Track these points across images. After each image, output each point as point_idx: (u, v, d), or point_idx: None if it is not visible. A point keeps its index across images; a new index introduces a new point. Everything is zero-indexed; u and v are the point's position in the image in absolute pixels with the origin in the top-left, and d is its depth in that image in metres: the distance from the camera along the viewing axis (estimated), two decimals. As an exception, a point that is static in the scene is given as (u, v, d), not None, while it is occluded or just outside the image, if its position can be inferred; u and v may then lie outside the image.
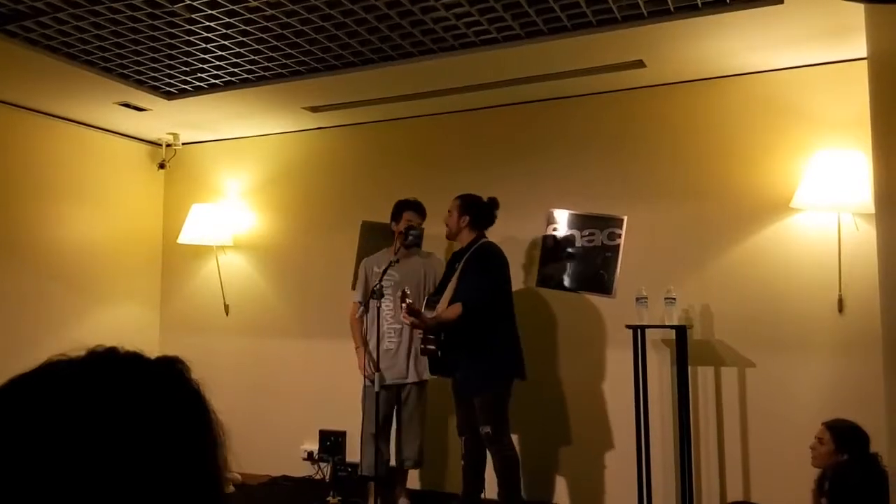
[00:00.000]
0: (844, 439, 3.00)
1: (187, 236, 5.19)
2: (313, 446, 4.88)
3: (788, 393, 3.83)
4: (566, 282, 4.38)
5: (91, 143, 5.16)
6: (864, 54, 3.28)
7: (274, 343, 5.20)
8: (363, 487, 4.16)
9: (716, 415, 4.00)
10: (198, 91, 4.38)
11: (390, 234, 4.23)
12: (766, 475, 3.88)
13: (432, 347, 3.74)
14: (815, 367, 3.79)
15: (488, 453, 3.73)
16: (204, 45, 3.69)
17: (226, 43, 3.66)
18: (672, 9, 3.25)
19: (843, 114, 3.76)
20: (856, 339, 3.66)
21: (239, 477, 4.87)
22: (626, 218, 4.24)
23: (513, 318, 3.79)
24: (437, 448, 4.46)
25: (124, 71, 4.08)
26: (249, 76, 4.14)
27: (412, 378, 4.08)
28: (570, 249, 4.38)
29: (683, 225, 4.12)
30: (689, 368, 3.82)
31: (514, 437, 4.08)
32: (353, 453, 4.49)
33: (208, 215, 5.23)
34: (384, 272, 3.91)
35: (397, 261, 3.99)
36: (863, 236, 3.67)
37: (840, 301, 3.74)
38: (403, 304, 3.66)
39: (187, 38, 3.60)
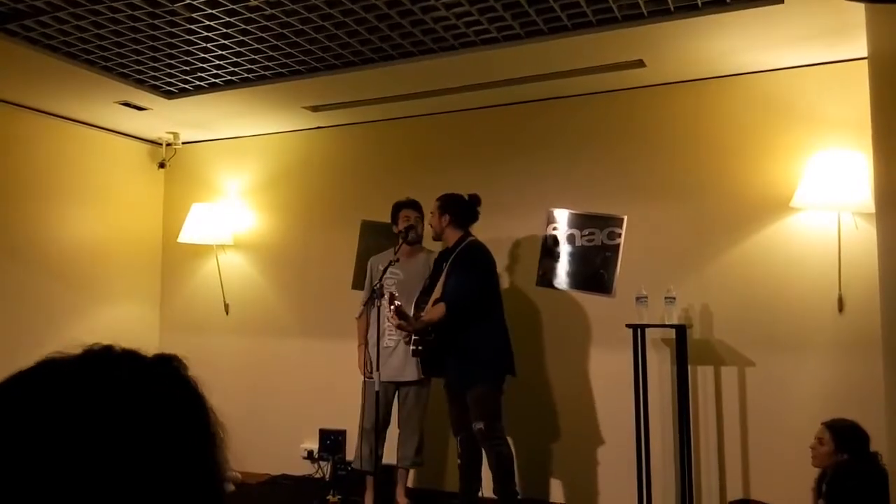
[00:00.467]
0: (844, 439, 3.01)
1: (187, 235, 5.19)
2: (313, 445, 4.88)
3: (788, 392, 3.83)
4: (566, 281, 4.38)
5: (91, 142, 5.16)
6: (865, 54, 3.28)
7: (274, 342, 5.20)
8: (361, 485, 4.17)
9: (715, 414, 4.00)
10: (198, 90, 4.38)
11: (391, 233, 4.25)
12: (765, 474, 3.88)
13: (421, 349, 3.75)
14: (814, 366, 3.79)
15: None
16: (204, 45, 3.69)
17: (226, 42, 3.66)
18: (672, 8, 3.25)
19: (843, 113, 3.76)
20: (856, 338, 3.66)
21: (239, 476, 4.87)
22: (626, 217, 4.24)
23: (501, 316, 3.81)
24: (437, 447, 4.46)
25: (124, 70, 4.08)
26: (249, 75, 4.14)
27: (410, 376, 4.08)
28: (569, 249, 4.38)
29: (683, 224, 4.13)
30: (689, 368, 3.83)
31: (514, 436, 4.10)
32: (352, 452, 4.49)
33: (208, 214, 5.23)
34: (385, 271, 3.92)
35: (397, 260, 4.00)
36: (863, 236, 3.67)
37: (840, 300, 3.74)
38: (392, 307, 3.68)
39: (187, 37, 3.60)
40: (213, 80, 4.24)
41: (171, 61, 3.93)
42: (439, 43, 3.65)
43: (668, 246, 4.14)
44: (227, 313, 5.38)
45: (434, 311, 3.72)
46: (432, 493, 4.48)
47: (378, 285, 3.90)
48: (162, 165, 5.60)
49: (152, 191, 5.65)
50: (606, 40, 3.54)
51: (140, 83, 4.28)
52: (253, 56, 3.84)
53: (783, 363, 3.85)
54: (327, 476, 4.74)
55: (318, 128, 5.17)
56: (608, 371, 4.20)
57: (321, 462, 4.86)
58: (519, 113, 4.58)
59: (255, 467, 4.96)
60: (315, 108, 4.74)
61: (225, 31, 3.52)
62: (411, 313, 3.85)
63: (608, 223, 4.29)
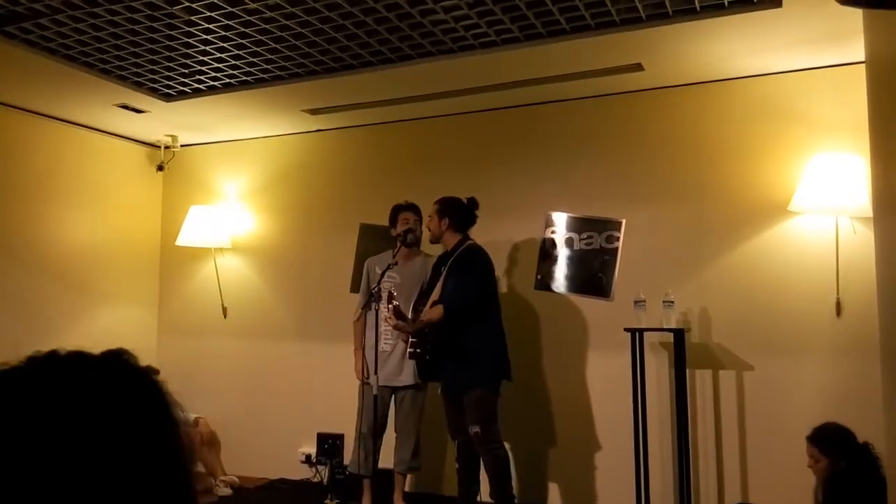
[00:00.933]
0: (831, 445, 2.99)
1: (185, 238, 5.18)
2: (311, 449, 4.87)
3: (786, 396, 3.83)
4: (564, 285, 4.37)
5: (90, 144, 5.16)
6: (863, 58, 3.28)
7: (272, 345, 5.19)
8: (359, 489, 4.16)
9: (714, 418, 4.00)
10: (196, 93, 4.38)
11: (389, 236, 4.24)
12: (763, 478, 3.87)
13: (419, 351, 3.75)
14: (812, 370, 3.79)
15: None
16: (203, 48, 3.69)
17: (224, 45, 3.66)
18: (670, 12, 3.25)
19: (841, 117, 3.77)
20: (853, 342, 3.67)
21: (236, 480, 4.86)
22: (624, 221, 4.25)
23: (499, 319, 3.80)
24: (435, 451, 4.45)
25: (123, 73, 4.07)
26: (248, 78, 4.14)
27: (407, 380, 4.07)
28: (568, 252, 4.38)
29: (682, 228, 4.13)
30: (688, 371, 3.82)
31: (511, 440, 4.09)
32: (350, 456, 4.48)
33: (206, 217, 5.23)
34: (382, 274, 3.92)
35: (395, 263, 3.99)
36: (861, 240, 3.67)
37: (838, 304, 3.74)
38: (390, 306, 3.67)
39: (186, 40, 3.60)
40: (212, 83, 4.24)
41: (170, 64, 3.93)
42: (438, 46, 3.66)
43: (666, 250, 4.14)
44: (224, 316, 5.37)
45: (432, 313, 3.72)
46: (430, 497, 4.47)
47: (376, 289, 3.89)
48: (160, 168, 5.59)
49: (151, 193, 5.64)
50: (605, 44, 3.55)
51: (138, 86, 4.27)
52: (251, 59, 3.84)
53: (781, 367, 3.85)
54: (325, 480, 4.73)
55: (317, 131, 5.17)
56: (606, 375, 4.20)
57: (319, 466, 4.84)
58: (518, 116, 4.58)
59: (252, 471, 4.95)
60: (314, 111, 4.74)
61: (224, 33, 3.52)
62: (409, 317, 3.85)
63: (606, 227, 4.29)
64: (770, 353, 3.88)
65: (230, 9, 3.23)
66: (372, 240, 4.82)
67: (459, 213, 3.86)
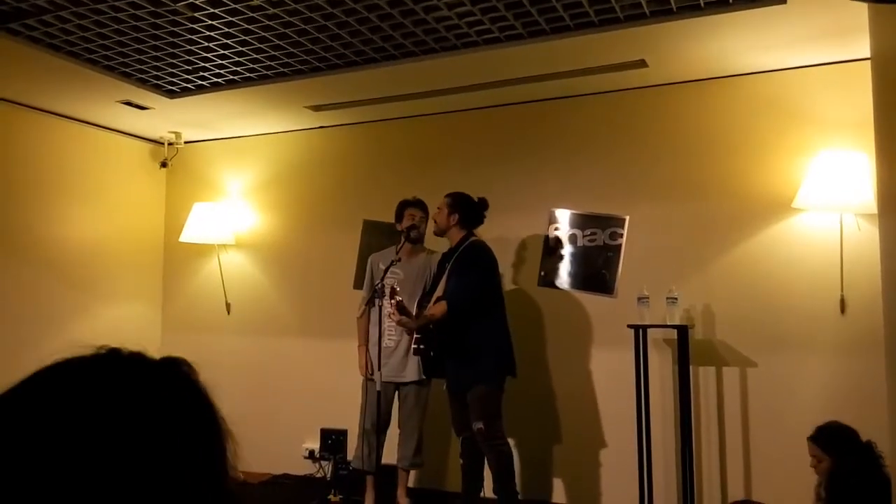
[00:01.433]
0: (834, 445, 2.98)
1: (189, 235, 5.19)
2: (314, 445, 4.88)
3: (790, 393, 3.83)
4: (568, 281, 4.37)
5: (93, 141, 5.16)
6: (868, 54, 3.27)
7: (275, 341, 5.21)
8: (362, 484, 4.17)
9: (717, 415, 4.00)
10: (200, 90, 4.39)
11: (393, 232, 4.24)
12: (767, 475, 3.87)
13: (423, 347, 3.75)
14: (816, 367, 3.78)
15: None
16: (206, 44, 3.70)
17: (228, 42, 3.66)
18: (674, 8, 3.24)
19: (846, 114, 3.76)
20: (858, 339, 3.66)
21: (240, 475, 4.86)
22: (628, 217, 4.24)
23: (503, 315, 3.80)
24: (438, 447, 4.46)
25: (127, 69, 4.08)
26: (252, 75, 4.14)
27: (411, 376, 4.08)
28: (571, 249, 4.37)
29: (685, 225, 4.12)
30: (691, 368, 3.82)
31: (515, 436, 4.09)
32: (353, 452, 4.49)
33: (210, 214, 5.23)
34: (386, 270, 3.92)
35: (399, 259, 4.00)
36: (865, 237, 3.66)
37: (842, 301, 3.74)
38: (393, 301, 3.66)
39: (190, 36, 3.60)
40: (216, 80, 4.24)
41: (174, 61, 3.93)
42: (441, 43, 3.65)
43: (670, 246, 4.14)
44: (228, 313, 5.38)
45: (436, 308, 3.72)
46: (434, 493, 4.48)
47: (379, 285, 3.89)
48: (164, 165, 5.60)
49: (154, 190, 5.65)
50: (609, 40, 3.54)
51: (142, 82, 4.28)
52: (255, 55, 3.84)
53: (785, 364, 3.85)
54: (328, 476, 4.74)
55: (321, 127, 5.17)
56: (610, 371, 4.20)
57: (322, 462, 4.86)
58: (521, 113, 4.58)
59: (256, 467, 4.96)
60: (317, 108, 4.74)
61: (227, 30, 3.52)
62: (413, 313, 3.85)
63: (610, 223, 4.28)
64: (774, 350, 3.87)
65: (233, 5, 3.23)
66: (375, 236, 4.83)
67: (469, 210, 3.86)
